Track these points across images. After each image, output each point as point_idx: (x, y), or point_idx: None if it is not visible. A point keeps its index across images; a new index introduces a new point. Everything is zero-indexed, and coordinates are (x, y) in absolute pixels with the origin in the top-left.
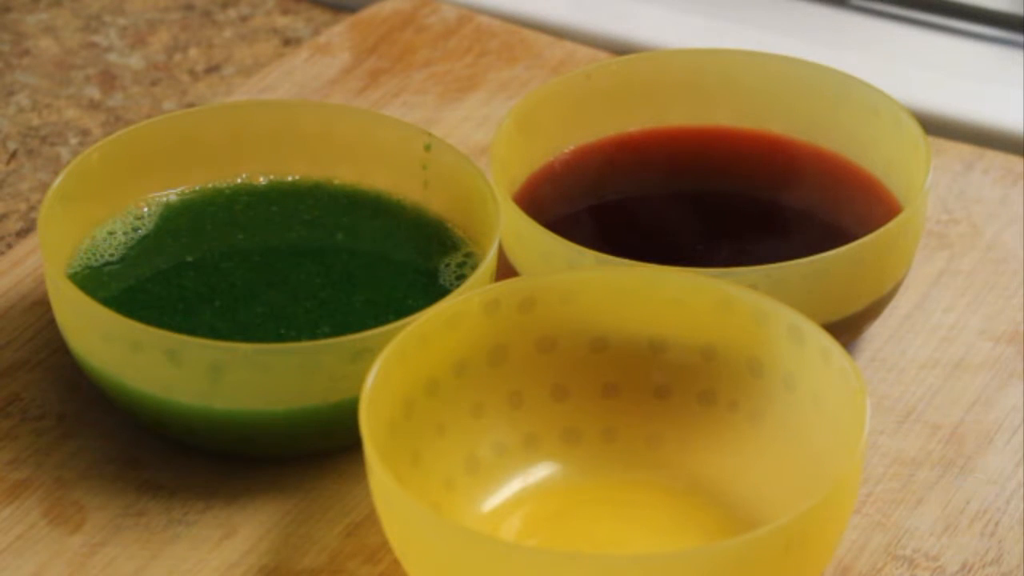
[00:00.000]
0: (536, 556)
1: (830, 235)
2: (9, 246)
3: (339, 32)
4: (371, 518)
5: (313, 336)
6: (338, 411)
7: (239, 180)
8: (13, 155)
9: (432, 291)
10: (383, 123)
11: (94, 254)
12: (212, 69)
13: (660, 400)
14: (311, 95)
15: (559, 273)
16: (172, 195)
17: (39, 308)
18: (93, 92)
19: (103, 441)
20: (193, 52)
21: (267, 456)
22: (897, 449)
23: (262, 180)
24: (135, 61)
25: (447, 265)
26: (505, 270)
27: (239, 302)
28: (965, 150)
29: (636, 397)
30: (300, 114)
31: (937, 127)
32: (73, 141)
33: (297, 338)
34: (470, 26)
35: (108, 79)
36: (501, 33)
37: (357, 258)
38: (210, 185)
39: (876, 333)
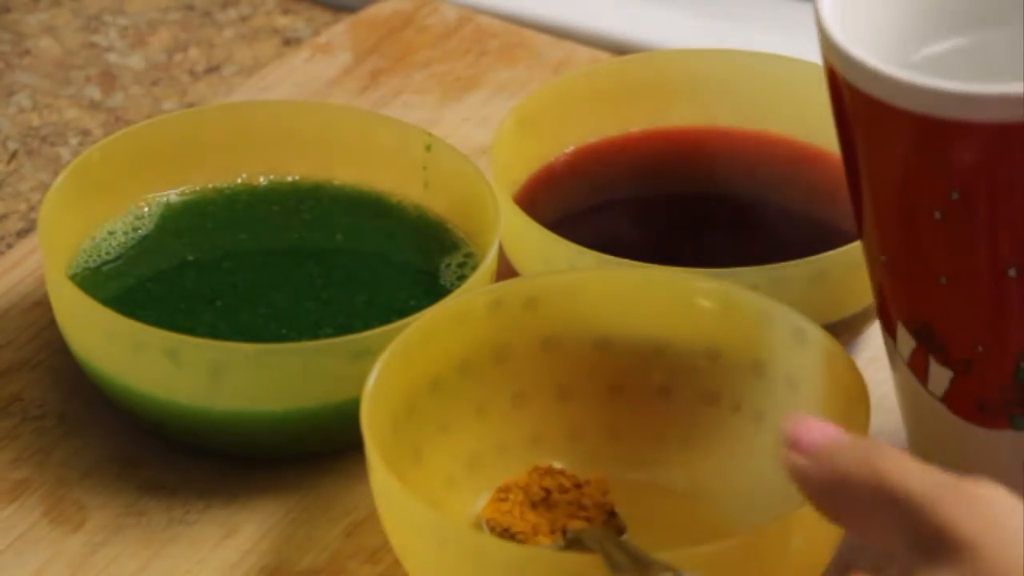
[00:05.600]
0: (536, 555)
1: (830, 235)
2: (9, 246)
3: (339, 32)
4: (371, 518)
5: (314, 337)
6: (339, 411)
7: (239, 180)
8: (13, 155)
9: (433, 291)
10: (383, 123)
11: (94, 254)
12: (212, 69)
13: (663, 400)
14: (311, 95)
15: (563, 273)
16: (172, 195)
17: (40, 308)
18: (93, 92)
19: (104, 441)
20: (193, 52)
21: (267, 456)
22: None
23: (262, 180)
24: (135, 61)
25: (448, 265)
26: (505, 270)
27: (240, 302)
28: None
29: (640, 397)
30: (300, 114)
31: None
32: (73, 141)
33: (298, 339)
34: (470, 26)
35: (108, 79)
36: (501, 33)
37: (358, 258)
38: (210, 185)
39: (876, 333)
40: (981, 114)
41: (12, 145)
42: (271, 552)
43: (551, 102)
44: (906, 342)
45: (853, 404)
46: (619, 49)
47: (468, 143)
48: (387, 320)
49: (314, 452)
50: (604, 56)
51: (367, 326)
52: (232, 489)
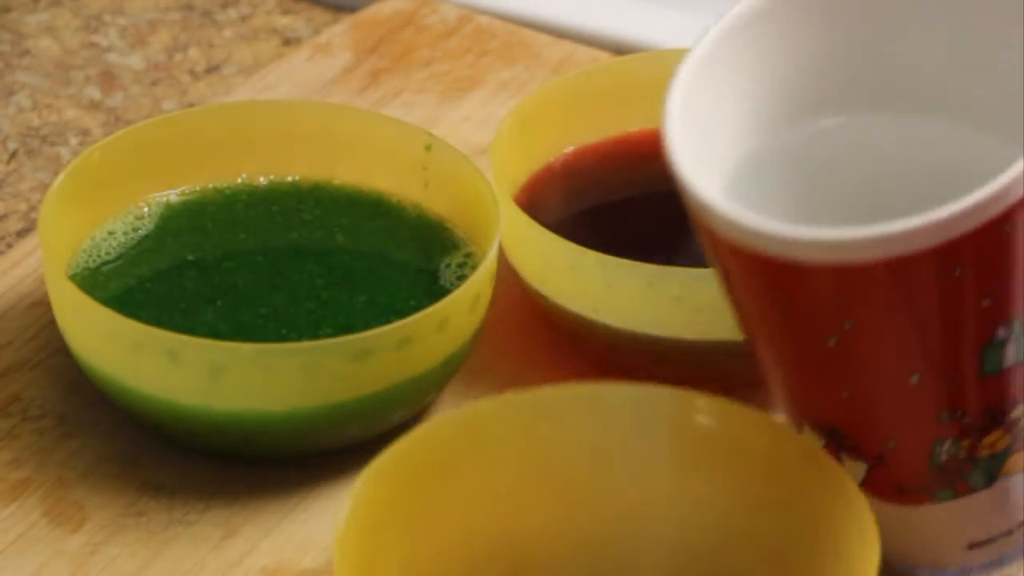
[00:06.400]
0: None
1: None
2: (9, 246)
3: (339, 32)
4: None
5: (314, 337)
6: (339, 411)
7: (239, 180)
8: (13, 155)
9: (433, 291)
10: (384, 123)
11: (94, 254)
12: (212, 69)
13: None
14: (311, 95)
15: (569, 387)
16: (172, 195)
17: (39, 308)
18: (93, 92)
19: (103, 441)
20: (193, 52)
21: (267, 456)
22: None
23: (262, 180)
24: (135, 61)
25: (448, 265)
26: (505, 270)
27: (240, 302)
28: None
29: None
30: (300, 114)
31: None
32: (73, 141)
33: (298, 339)
34: (470, 26)
35: (108, 79)
36: (501, 33)
37: (358, 258)
38: (210, 185)
39: None
40: (849, 256)
41: (12, 145)
42: (271, 552)
43: (551, 102)
44: (815, 439)
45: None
46: (619, 49)
47: (468, 143)
48: (387, 320)
49: (314, 452)
50: (604, 56)
51: (367, 326)
52: (232, 489)
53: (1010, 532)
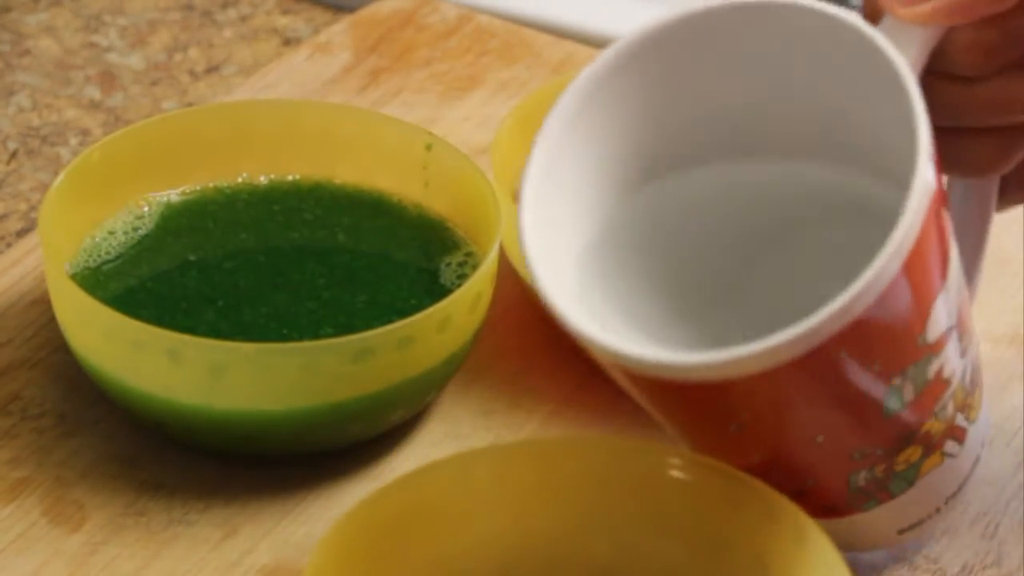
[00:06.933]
0: None
1: None
2: (9, 246)
3: (339, 31)
4: None
5: (315, 336)
6: (338, 411)
7: (240, 179)
8: (13, 155)
9: (433, 291)
10: (384, 123)
11: (95, 253)
12: (212, 69)
13: None
14: (311, 94)
15: (531, 442)
16: (173, 194)
17: (39, 306)
18: (93, 92)
19: (103, 440)
20: (193, 52)
21: (267, 456)
22: None
23: (263, 179)
24: (135, 61)
25: (448, 265)
26: (505, 270)
27: (241, 302)
28: None
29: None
30: (301, 113)
31: None
32: (73, 141)
33: (299, 338)
34: (470, 26)
35: (108, 79)
36: (501, 33)
37: (358, 258)
38: (211, 184)
39: None
40: (727, 374)
41: (12, 145)
42: (271, 552)
43: (551, 102)
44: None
45: None
46: None
47: (468, 143)
48: (388, 320)
49: (314, 452)
50: None
51: (368, 326)
52: (232, 489)
53: (937, 511)
